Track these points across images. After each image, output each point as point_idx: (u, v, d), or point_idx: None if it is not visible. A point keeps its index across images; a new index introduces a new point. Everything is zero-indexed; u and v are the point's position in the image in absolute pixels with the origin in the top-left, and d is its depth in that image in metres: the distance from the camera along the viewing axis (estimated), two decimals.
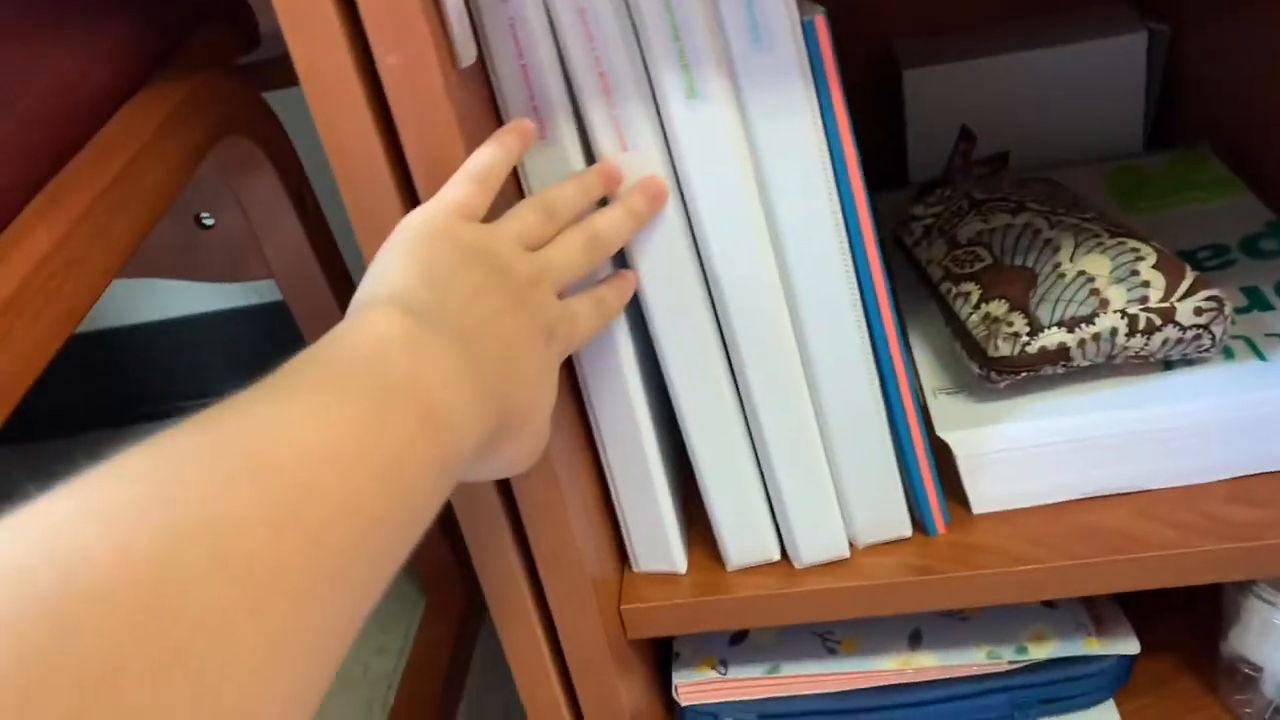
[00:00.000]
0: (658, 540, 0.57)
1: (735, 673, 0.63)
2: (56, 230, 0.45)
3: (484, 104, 0.45)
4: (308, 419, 0.28)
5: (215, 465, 0.26)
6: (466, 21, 0.41)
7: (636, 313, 0.52)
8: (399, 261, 0.38)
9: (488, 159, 0.42)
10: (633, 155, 0.47)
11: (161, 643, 0.22)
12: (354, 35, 0.40)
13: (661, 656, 0.67)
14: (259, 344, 1.27)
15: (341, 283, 0.68)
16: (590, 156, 0.48)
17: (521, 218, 0.43)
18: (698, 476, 0.55)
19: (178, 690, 0.21)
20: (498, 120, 0.47)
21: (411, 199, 0.43)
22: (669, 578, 0.58)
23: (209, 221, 0.65)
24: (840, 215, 0.49)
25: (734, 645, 0.65)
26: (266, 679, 0.24)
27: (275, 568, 0.25)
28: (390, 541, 0.29)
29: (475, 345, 0.36)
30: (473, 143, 0.42)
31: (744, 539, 0.56)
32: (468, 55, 0.42)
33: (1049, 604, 0.63)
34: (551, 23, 0.44)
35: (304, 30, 0.39)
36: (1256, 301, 0.60)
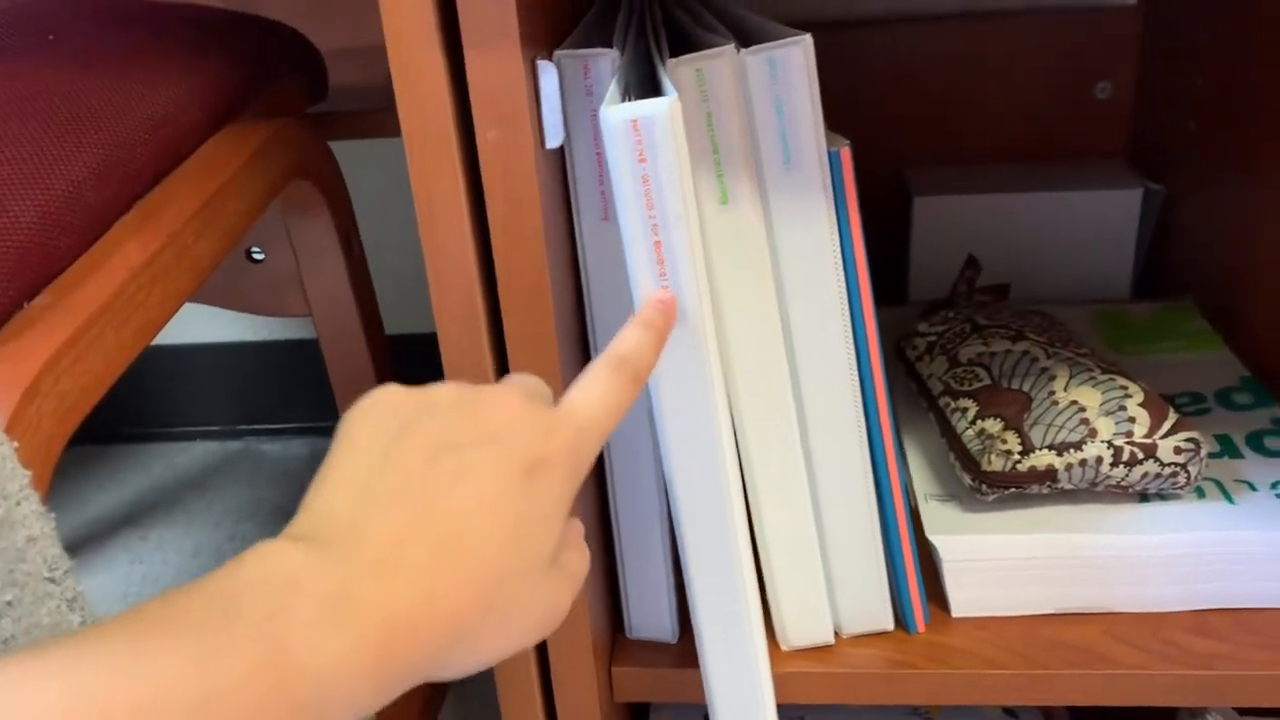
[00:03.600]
0: (655, 610, 0.59)
1: None
2: (147, 247, 0.48)
3: (560, 181, 0.50)
4: (114, 661, 0.25)
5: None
6: (559, 108, 0.46)
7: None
8: (339, 451, 0.34)
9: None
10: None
11: None
12: (459, 107, 0.44)
13: None
14: (252, 379, 1.29)
15: (374, 329, 0.71)
16: None
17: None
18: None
19: None
20: (567, 196, 0.51)
21: (487, 260, 0.47)
22: (659, 645, 0.61)
23: (259, 256, 0.68)
24: (849, 323, 0.53)
25: None
26: None
27: None
28: None
29: (400, 557, 0.31)
30: (546, 213, 0.46)
31: None
32: (556, 137, 0.46)
33: (1010, 713, 0.67)
34: None
35: (416, 98, 0.43)
36: (1228, 449, 0.64)
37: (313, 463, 1.26)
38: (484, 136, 0.44)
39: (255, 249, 0.68)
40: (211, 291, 0.69)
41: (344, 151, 0.79)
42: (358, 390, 0.72)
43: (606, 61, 0.47)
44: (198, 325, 1.27)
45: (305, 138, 0.63)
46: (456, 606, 0.31)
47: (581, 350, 0.55)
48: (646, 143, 0.40)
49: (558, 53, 0.47)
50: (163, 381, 1.30)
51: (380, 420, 0.35)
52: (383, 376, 0.71)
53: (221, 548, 1.14)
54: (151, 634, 0.26)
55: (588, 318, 0.53)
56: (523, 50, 0.43)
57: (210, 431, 1.33)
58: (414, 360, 1.08)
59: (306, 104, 0.70)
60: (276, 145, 0.59)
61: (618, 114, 0.40)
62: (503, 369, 0.50)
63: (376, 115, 0.76)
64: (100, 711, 0.24)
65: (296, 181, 0.63)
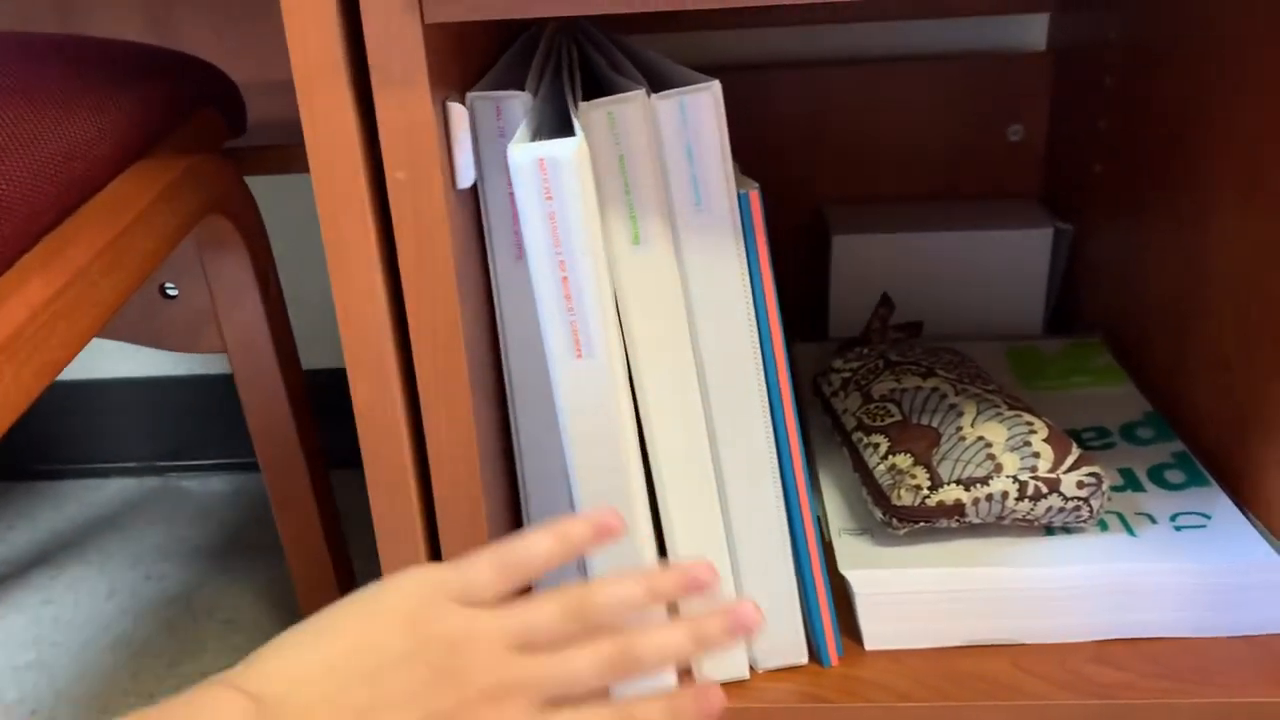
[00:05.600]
0: None
1: None
2: (51, 284, 0.47)
3: (474, 221, 0.50)
4: None
5: None
6: (470, 148, 0.46)
7: None
8: (336, 628, 0.35)
9: (529, 553, 0.38)
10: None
11: None
12: (370, 145, 0.44)
13: None
14: (170, 414, 1.27)
15: (291, 367, 0.70)
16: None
17: (538, 610, 0.37)
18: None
19: None
20: (481, 238, 0.51)
21: (398, 299, 0.47)
22: None
23: (173, 292, 0.67)
24: (760, 359, 0.54)
25: None
26: None
27: None
28: None
29: None
30: (459, 253, 0.47)
31: None
32: (467, 178, 0.46)
33: None
34: None
35: (325, 137, 0.43)
36: (1131, 482, 0.66)
37: (233, 499, 1.24)
38: (393, 177, 0.44)
39: (169, 285, 0.68)
40: (125, 327, 0.68)
41: (262, 186, 0.79)
42: (272, 428, 0.72)
43: (518, 103, 0.47)
44: (113, 359, 1.24)
45: (221, 173, 0.63)
46: None
47: (497, 392, 0.55)
48: (553, 181, 0.41)
49: (470, 94, 0.47)
50: (76, 416, 1.27)
51: (390, 630, 0.35)
52: (299, 415, 0.70)
53: (138, 587, 1.11)
54: None
55: (503, 357, 0.54)
56: (432, 91, 0.43)
57: (127, 468, 1.30)
58: (330, 396, 1.07)
59: (224, 138, 0.70)
60: (190, 180, 0.59)
61: (525, 153, 0.41)
62: (414, 407, 0.50)
63: (295, 149, 0.76)
64: None
65: (212, 217, 0.63)
